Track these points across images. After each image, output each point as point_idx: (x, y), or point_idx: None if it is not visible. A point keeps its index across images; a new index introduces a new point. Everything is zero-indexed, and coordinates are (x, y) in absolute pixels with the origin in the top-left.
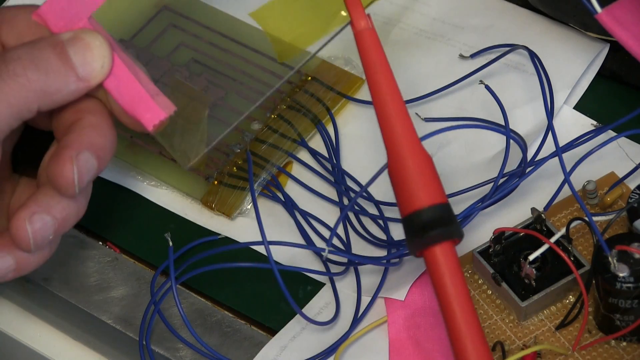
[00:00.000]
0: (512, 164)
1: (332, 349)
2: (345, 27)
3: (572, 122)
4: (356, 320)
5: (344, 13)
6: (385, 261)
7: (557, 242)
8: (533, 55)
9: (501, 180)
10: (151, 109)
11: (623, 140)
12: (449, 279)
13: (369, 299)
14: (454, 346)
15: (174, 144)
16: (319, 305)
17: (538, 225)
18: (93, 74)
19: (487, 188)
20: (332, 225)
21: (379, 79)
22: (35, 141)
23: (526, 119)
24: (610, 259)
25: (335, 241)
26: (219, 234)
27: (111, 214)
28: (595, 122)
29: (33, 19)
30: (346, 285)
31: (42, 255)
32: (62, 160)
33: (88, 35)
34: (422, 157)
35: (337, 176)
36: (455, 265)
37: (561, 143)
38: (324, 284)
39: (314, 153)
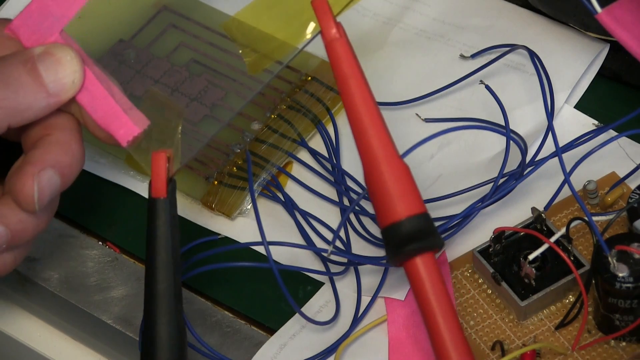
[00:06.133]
0: (513, 164)
1: (332, 348)
2: (316, 37)
3: (572, 122)
4: (356, 320)
5: (313, 23)
6: (385, 261)
7: (557, 241)
8: (533, 55)
9: (501, 180)
10: (125, 124)
11: (624, 140)
12: (431, 289)
13: (369, 298)
14: (438, 357)
15: (149, 160)
16: (319, 304)
17: (538, 224)
18: (64, 90)
19: (487, 188)
20: (332, 225)
21: (351, 89)
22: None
23: (526, 119)
24: (610, 259)
25: (336, 241)
26: (219, 234)
27: (111, 214)
28: (595, 122)
29: (5, 33)
30: (346, 285)
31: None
32: (24, 176)
33: (59, 50)
34: (398, 168)
35: (337, 176)
36: (436, 275)
37: (562, 143)
38: (323, 284)
39: (314, 153)
